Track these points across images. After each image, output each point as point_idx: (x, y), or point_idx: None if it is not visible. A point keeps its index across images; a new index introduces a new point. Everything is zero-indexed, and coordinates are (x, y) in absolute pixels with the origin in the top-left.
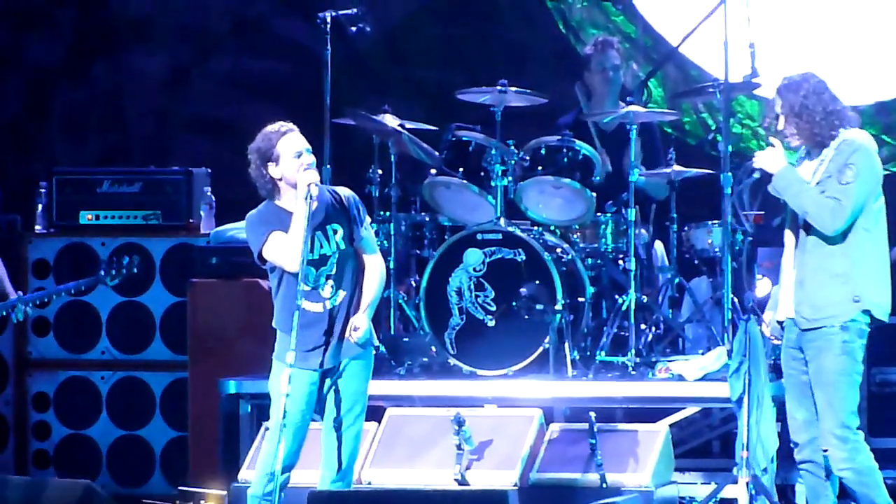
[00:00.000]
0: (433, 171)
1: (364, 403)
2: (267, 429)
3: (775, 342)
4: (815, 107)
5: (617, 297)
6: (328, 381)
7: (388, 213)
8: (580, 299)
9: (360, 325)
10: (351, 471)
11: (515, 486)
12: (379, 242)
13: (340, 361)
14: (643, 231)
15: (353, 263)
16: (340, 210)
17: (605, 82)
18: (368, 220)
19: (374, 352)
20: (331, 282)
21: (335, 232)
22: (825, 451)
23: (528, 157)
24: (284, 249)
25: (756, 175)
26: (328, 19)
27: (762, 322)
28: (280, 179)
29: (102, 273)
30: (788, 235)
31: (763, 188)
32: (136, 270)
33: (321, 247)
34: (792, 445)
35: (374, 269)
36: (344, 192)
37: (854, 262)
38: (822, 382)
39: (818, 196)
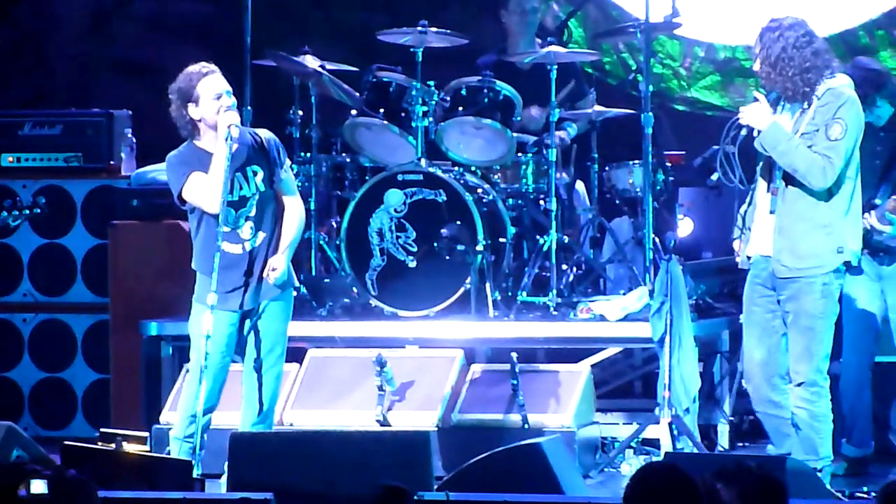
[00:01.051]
0: (354, 112)
1: (284, 344)
2: (188, 371)
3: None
4: (791, 61)
5: (538, 237)
6: (248, 323)
7: (308, 155)
8: (501, 240)
9: (278, 265)
10: (272, 412)
11: (437, 426)
12: (300, 184)
13: (260, 303)
14: (564, 175)
15: (273, 205)
16: (260, 152)
17: (522, 23)
18: (288, 162)
19: (293, 293)
20: (250, 223)
21: (255, 174)
22: (798, 384)
23: (448, 98)
24: (204, 190)
25: (743, 132)
26: None
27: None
28: (200, 120)
29: (5, 214)
30: (761, 180)
31: (749, 144)
32: (38, 211)
33: (241, 188)
34: (746, 383)
35: (294, 211)
36: (264, 133)
37: (838, 213)
38: (801, 327)
39: (807, 153)
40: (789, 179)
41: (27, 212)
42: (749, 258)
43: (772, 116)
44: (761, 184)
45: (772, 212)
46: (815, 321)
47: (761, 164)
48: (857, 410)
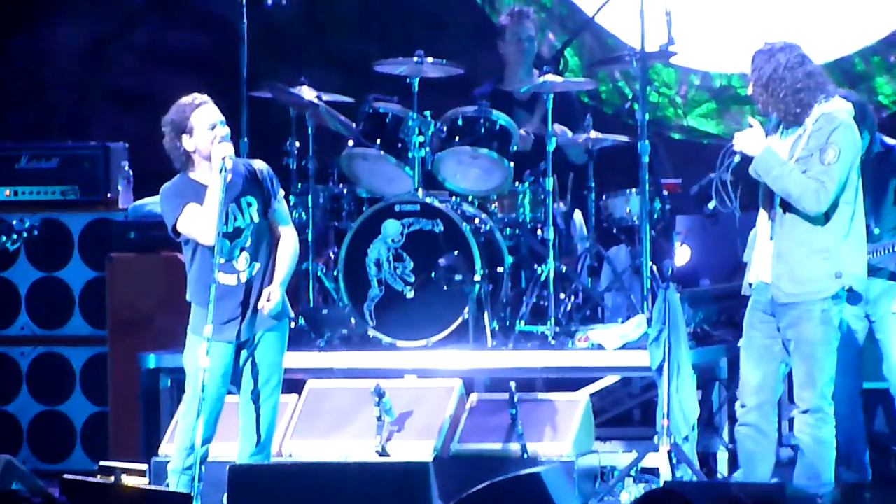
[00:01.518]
0: (351, 142)
1: (280, 375)
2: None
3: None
4: (783, 81)
5: (536, 266)
6: (244, 353)
7: (305, 186)
8: (499, 269)
9: (273, 296)
10: (269, 443)
11: (435, 456)
12: (297, 215)
13: (255, 333)
14: (561, 204)
15: (268, 236)
16: (255, 182)
17: (519, 53)
18: (282, 192)
19: (289, 323)
20: (245, 254)
21: (249, 205)
22: (804, 411)
23: (445, 128)
24: (199, 222)
25: (737, 158)
26: None
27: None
28: (194, 152)
29: (4, 238)
30: (762, 207)
31: (744, 170)
32: (36, 233)
33: (235, 219)
34: (739, 406)
35: (288, 241)
36: (258, 164)
37: (836, 237)
38: (803, 354)
39: (800, 178)
40: (787, 205)
41: (25, 234)
42: (751, 285)
43: (765, 142)
44: (763, 210)
45: (771, 238)
46: (816, 348)
47: (762, 190)
48: (853, 435)
